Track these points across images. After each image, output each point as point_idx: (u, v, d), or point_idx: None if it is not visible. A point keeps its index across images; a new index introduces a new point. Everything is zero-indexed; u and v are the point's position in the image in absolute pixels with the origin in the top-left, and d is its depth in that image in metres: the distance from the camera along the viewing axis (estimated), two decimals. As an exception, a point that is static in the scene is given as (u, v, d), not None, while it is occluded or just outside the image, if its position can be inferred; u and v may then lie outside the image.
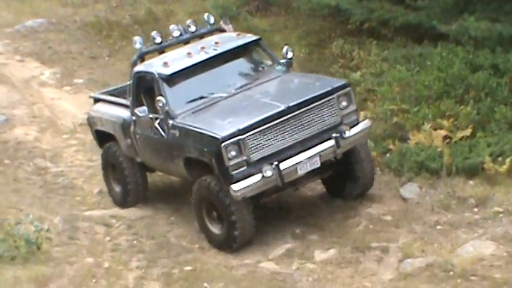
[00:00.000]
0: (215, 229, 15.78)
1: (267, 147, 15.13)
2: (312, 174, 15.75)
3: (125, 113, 17.30)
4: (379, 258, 14.66)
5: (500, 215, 15.05)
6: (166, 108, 15.85)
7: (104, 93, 19.05)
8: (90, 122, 18.66)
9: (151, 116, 16.11)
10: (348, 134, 15.65)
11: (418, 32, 20.39)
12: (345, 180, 16.43)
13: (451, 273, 13.80)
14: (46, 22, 28.33)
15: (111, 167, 18.25)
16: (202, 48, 16.73)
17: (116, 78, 23.47)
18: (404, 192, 16.79)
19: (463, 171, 16.48)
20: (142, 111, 16.10)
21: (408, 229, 15.44)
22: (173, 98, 16.00)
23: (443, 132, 17.19)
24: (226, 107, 15.96)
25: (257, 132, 15.00)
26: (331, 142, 15.50)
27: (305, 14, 23.54)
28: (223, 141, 14.78)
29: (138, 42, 17.21)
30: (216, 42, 16.88)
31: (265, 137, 15.09)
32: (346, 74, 20.27)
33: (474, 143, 16.98)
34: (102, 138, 18.33)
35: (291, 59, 17.07)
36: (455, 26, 19.31)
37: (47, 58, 26.07)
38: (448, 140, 17.11)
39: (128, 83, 17.87)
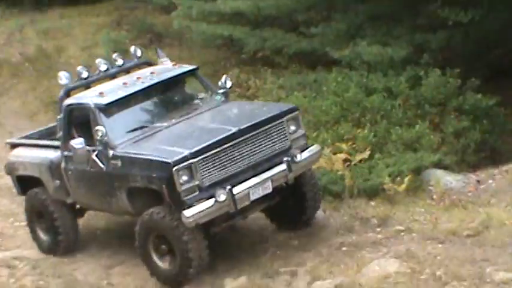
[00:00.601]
0: (164, 264, 15.03)
1: (218, 171, 14.65)
2: (262, 200, 15.24)
3: (51, 154, 16.67)
4: (288, 283, 14.77)
5: (402, 233, 15.36)
6: (106, 138, 15.20)
7: (21, 138, 18.42)
8: (11, 168, 17.77)
9: (88, 148, 15.36)
10: (299, 157, 15.35)
11: (312, 59, 20.87)
12: (291, 208, 16.00)
13: (359, 292, 14.27)
14: None
15: (36, 215, 17.28)
16: (138, 78, 16.34)
17: (9, 117, 23.56)
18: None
19: (365, 193, 16.88)
20: (78, 143, 15.27)
21: (315, 252, 15.49)
22: (112, 128, 15.35)
23: (342, 156, 17.45)
24: (170, 135, 15.45)
25: (209, 155, 14.51)
26: (283, 166, 15.16)
27: (199, 45, 23.73)
28: (175, 165, 14.21)
29: (64, 77, 16.60)
30: (152, 72, 16.53)
31: (216, 161, 14.62)
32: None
33: (373, 164, 17.40)
34: (25, 184, 17.46)
35: (230, 87, 16.80)
36: (348, 52, 19.88)
37: None
38: (348, 163, 17.38)
39: (45, 127, 18.10)
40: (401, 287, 13.82)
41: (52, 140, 17.26)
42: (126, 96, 15.75)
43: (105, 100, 15.63)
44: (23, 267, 16.67)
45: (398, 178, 16.92)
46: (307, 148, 15.68)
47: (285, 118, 15.41)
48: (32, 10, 28.27)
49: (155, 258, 15.03)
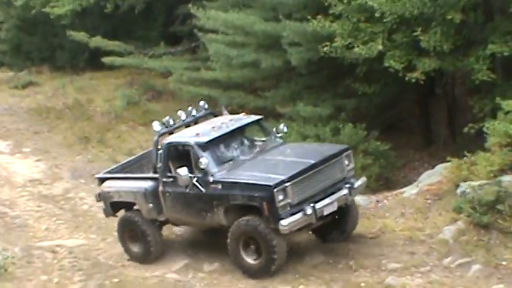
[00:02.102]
0: (250, 259, 14.37)
1: (302, 193, 14.01)
2: (325, 216, 14.51)
3: (145, 184, 15.61)
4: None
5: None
6: (207, 167, 14.50)
7: (106, 172, 17.10)
8: (105, 196, 16.41)
9: (190, 175, 14.58)
10: (356, 185, 14.90)
11: (265, 113, 19.93)
12: (335, 226, 15.22)
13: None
14: (0, 108, 27.54)
15: (128, 232, 16.09)
16: (222, 123, 15.53)
17: (54, 147, 23.18)
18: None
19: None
20: (184, 171, 14.52)
21: None
22: (209, 160, 14.57)
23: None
24: (258, 166, 14.72)
25: (297, 180, 13.92)
26: (345, 191, 14.61)
27: (186, 100, 23.30)
28: (275, 187, 13.68)
29: (157, 125, 15.73)
30: (231, 120, 15.79)
31: (301, 185, 13.99)
32: None
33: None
34: (116, 208, 16.38)
35: (286, 132, 16.09)
36: (290, 109, 20.01)
37: (2, 134, 25.22)
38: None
39: (119, 163, 17.36)
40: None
41: (128, 172, 16.68)
42: (218, 137, 15.06)
43: (203, 139, 14.92)
44: (62, 252, 16.45)
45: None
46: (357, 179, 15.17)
47: (344, 154, 14.90)
48: (71, 73, 28.18)
49: (243, 255, 14.41)
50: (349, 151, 15.14)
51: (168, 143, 15.33)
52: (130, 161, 17.45)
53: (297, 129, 19.26)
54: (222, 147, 15.14)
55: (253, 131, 16.47)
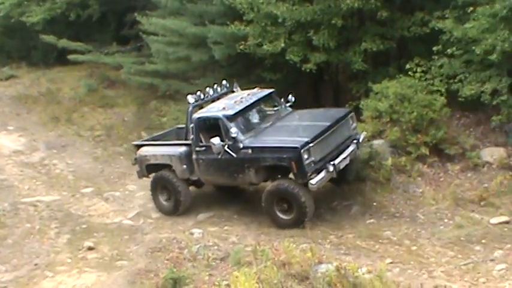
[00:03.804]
0: (284, 216, 13.34)
1: (321, 151, 13.12)
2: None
3: (180, 148, 14.56)
4: (185, 215, 14.88)
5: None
6: (236, 136, 13.45)
7: (144, 140, 16.24)
8: (142, 159, 15.31)
9: (222, 143, 13.52)
10: (361, 139, 14.12)
11: None
12: (344, 173, 14.06)
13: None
14: (-15, 98, 26.54)
15: (160, 189, 15.14)
16: (242, 98, 14.53)
17: (32, 126, 22.54)
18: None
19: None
20: (216, 140, 13.47)
21: (199, 199, 15.42)
22: (237, 130, 13.58)
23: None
24: (277, 132, 13.71)
25: (318, 141, 13.02)
26: (354, 146, 13.85)
27: (135, 87, 23.03)
28: (302, 148, 12.76)
29: (191, 98, 14.64)
30: (248, 94, 14.74)
31: (320, 144, 13.07)
32: (160, 120, 20.01)
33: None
34: (151, 169, 15.33)
35: (294, 102, 14.91)
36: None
37: (-10, 117, 24.51)
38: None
39: (151, 136, 16.39)
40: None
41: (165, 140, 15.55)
42: (242, 109, 14.10)
43: (230, 112, 13.88)
44: (41, 206, 16.17)
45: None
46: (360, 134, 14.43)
47: (349, 116, 14.16)
48: (43, 68, 27.23)
49: (277, 212, 13.40)
50: (353, 113, 14.37)
51: (198, 117, 14.25)
52: (159, 135, 16.44)
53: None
54: (245, 118, 14.13)
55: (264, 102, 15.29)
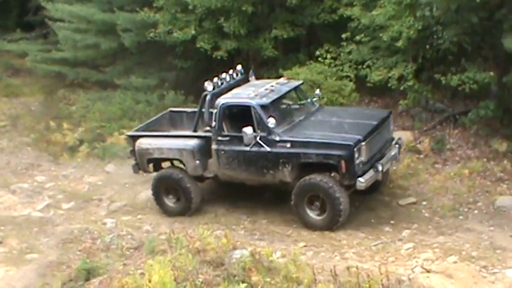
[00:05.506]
0: (314, 215, 12.05)
1: (370, 151, 11.89)
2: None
3: (192, 142, 12.97)
4: (97, 205, 14.74)
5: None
6: (273, 127, 11.99)
7: (138, 130, 14.10)
8: (142, 153, 13.42)
9: (254, 134, 12.00)
10: (402, 143, 13.23)
11: (105, 84, 20.17)
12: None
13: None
14: None
15: (165, 188, 13.40)
16: (272, 86, 12.92)
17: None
18: (108, 168, 16.67)
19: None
20: (249, 130, 11.93)
21: (111, 188, 15.42)
22: (274, 121, 12.01)
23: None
24: (318, 126, 12.33)
25: (368, 140, 11.79)
26: (397, 149, 12.82)
27: (41, 76, 22.42)
28: (355, 146, 11.53)
29: (209, 85, 12.95)
30: (278, 83, 13.16)
31: (370, 144, 11.85)
32: (69, 109, 19.69)
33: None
34: (152, 164, 13.64)
35: (319, 98, 13.54)
36: (124, 81, 19.45)
37: None
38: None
39: (144, 122, 14.62)
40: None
41: (153, 131, 13.87)
42: (277, 98, 12.59)
43: (265, 101, 12.31)
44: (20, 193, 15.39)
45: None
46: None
47: (391, 117, 13.09)
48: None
49: (308, 211, 12.08)
50: (392, 114, 13.32)
51: (222, 104, 12.56)
52: (151, 122, 14.60)
53: (131, 96, 18.91)
54: (278, 109, 12.66)
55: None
